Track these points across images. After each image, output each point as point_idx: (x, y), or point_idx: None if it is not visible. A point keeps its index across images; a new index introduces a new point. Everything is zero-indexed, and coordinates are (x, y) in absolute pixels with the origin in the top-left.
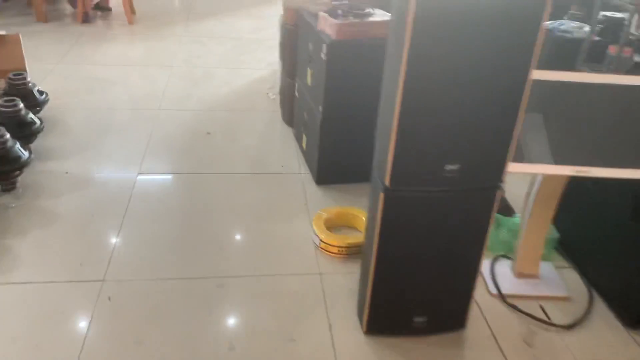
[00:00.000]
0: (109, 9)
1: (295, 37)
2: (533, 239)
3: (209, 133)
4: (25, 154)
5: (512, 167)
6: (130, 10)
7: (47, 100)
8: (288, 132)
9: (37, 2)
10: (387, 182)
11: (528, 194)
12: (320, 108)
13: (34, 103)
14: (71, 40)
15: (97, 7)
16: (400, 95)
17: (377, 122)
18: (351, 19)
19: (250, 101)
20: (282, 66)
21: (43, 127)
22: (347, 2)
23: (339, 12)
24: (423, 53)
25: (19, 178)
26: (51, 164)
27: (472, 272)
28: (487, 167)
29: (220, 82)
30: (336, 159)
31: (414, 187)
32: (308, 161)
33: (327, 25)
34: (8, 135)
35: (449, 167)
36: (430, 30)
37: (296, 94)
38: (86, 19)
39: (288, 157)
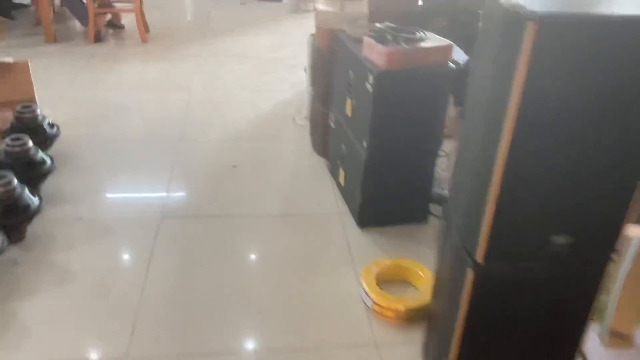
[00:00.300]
0: (122, 27)
1: (329, 61)
2: (631, 296)
3: (235, 167)
4: (35, 200)
5: (634, 231)
6: (144, 27)
7: (58, 133)
8: (320, 164)
9: (46, 21)
10: (478, 257)
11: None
12: (365, 144)
13: (44, 138)
14: (82, 61)
15: (109, 24)
16: (505, 149)
17: (456, 173)
18: (403, 46)
19: (276, 128)
20: (312, 92)
21: (54, 167)
22: (390, 23)
23: (388, 37)
24: (541, 93)
25: (28, 227)
26: (63, 208)
27: (571, 350)
28: (600, 235)
29: (243, 106)
30: (381, 199)
31: (511, 263)
32: (347, 199)
33: (375, 53)
34: (16, 182)
35: (556, 238)
36: (554, 62)
37: (331, 123)
38: (98, 38)
39: (323, 194)
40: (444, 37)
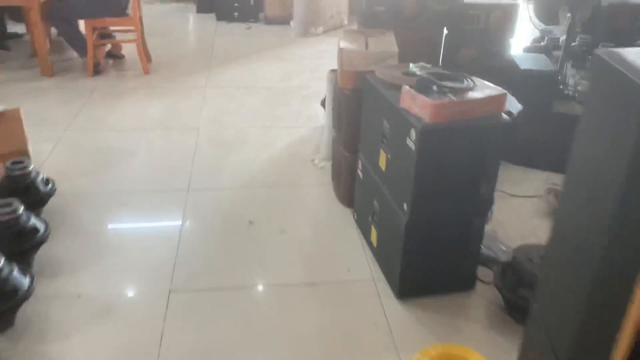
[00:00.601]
0: (122, 57)
1: (355, 104)
2: None
3: (251, 222)
4: (25, 281)
5: None
6: (146, 57)
7: (54, 191)
8: (346, 216)
9: (42, 54)
10: None
11: None
12: (406, 207)
13: (38, 198)
14: (81, 98)
15: (109, 55)
16: None
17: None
18: (450, 97)
19: (294, 171)
20: (335, 135)
21: (48, 234)
22: (429, 65)
23: (433, 87)
24: None
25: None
26: (58, 282)
27: None
28: None
29: (256, 145)
30: (424, 267)
31: None
32: (382, 263)
33: (417, 105)
34: (2, 261)
35: None
36: None
37: (359, 173)
38: (97, 71)
39: (353, 255)
40: (473, 68)
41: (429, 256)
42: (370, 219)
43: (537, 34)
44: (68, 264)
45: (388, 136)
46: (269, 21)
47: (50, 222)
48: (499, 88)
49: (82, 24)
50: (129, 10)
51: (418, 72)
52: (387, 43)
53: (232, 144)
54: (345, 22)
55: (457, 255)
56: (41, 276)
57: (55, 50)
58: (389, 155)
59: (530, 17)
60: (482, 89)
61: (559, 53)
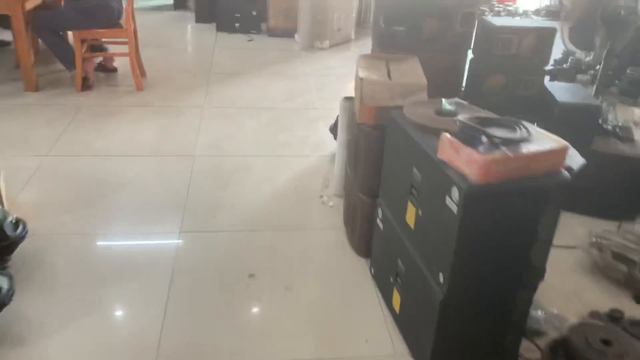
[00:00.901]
0: (114, 70)
1: (376, 143)
2: None
3: (251, 276)
4: None
5: None
6: (140, 72)
7: (24, 235)
8: (362, 269)
9: (25, 67)
10: None
11: None
12: (442, 278)
13: (5, 245)
14: (66, 117)
15: (100, 67)
16: None
17: None
18: (503, 151)
19: (301, 210)
20: (350, 173)
21: (12, 293)
22: (465, 102)
23: (482, 138)
24: None
25: None
26: (22, 355)
27: None
28: None
29: (259, 177)
30: (459, 344)
31: None
32: (407, 335)
33: (462, 159)
34: None
35: None
36: None
37: (379, 223)
38: (86, 86)
39: (371, 322)
40: (502, 98)
41: (467, 332)
42: (392, 279)
43: (558, 55)
44: (35, 329)
45: (419, 189)
46: (272, 33)
47: (19, 271)
48: (559, 139)
49: (70, 35)
50: (122, 21)
51: (455, 112)
52: (413, 72)
53: (230, 176)
54: (353, 36)
55: (499, 330)
56: (3, 344)
57: (42, 61)
58: (419, 211)
59: (564, 41)
60: (539, 140)
61: (583, 77)
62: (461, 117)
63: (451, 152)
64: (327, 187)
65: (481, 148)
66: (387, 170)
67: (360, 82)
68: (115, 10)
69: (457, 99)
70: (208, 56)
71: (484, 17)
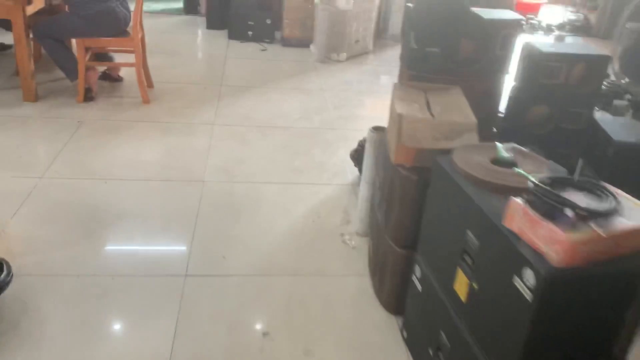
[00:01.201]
0: (120, 79)
1: (415, 190)
2: None
3: (265, 334)
4: None
5: None
6: (147, 83)
7: (9, 279)
8: (391, 328)
9: (25, 76)
10: None
11: None
12: None
13: None
14: (66, 132)
15: (105, 76)
16: None
17: None
18: (592, 228)
19: (320, 250)
20: (380, 218)
21: None
22: (525, 149)
23: (566, 211)
24: None
25: None
26: None
27: None
28: None
29: (272, 209)
30: None
31: None
32: None
33: (541, 235)
34: None
35: None
36: None
37: (416, 282)
38: (89, 97)
39: None
40: (546, 131)
41: None
42: (431, 352)
43: None
44: None
45: (475, 258)
46: (287, 43)
47: (2, 321)
48: None
49: (74, 42)
50: (130, 28)
51: (514, 162)
52: (457, 106)
53: (242, 206)
54: (371, 47)
55: None
56: None
57: (44, 67)
58: (474, 284)
59: (614, 70)
60: (630, 211)
61: (620, 102)
62: (534, 177)
63: (524, 223)
64: (348, 222)
65: (564, 223)
66: (430, 225)
67: (398, 118)
68: (121, 17)
69: (513, 144)
70: (219, 66)
71: (527, 40)
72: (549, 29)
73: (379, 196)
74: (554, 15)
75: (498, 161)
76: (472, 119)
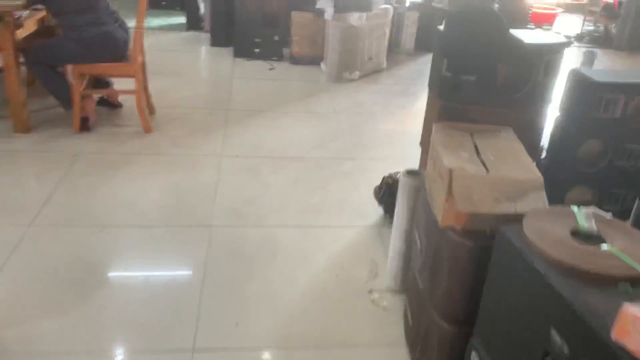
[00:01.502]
0: (119, 106)
1: (468, 259)
2: None
3: None
4: None
5: None
6: (149, 109)
7: None
8: None
9: (15, 105)
10: None
11: None
12: None
13: None
14: (60, 169)
15: (103, 102)
16: None
17: None
18: None
19: (346, 314)
20: (422, 287)
21: None
22: (607, 216)
23: None
24: None
25: None
26: None
27: None
28: None
29: (290, 260)
30: None
31: None
32: None
33: None
34: None
35: None
36: None
37: None
38: (85, 127)
39: None
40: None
41: None
42: None
43: None
44: None
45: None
46: (295, 60)
47: None
48: None
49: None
50: (130, 52)
51: (601, 236)
52: (513, 154)
53: (255, 257)
54: (384, 64)
55: None
56: None
57: (37, 93)
58: None
59: None
60: None
61: None
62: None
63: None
64: (376, 276)
65: None
66: (493, 306)
67: (448, 174)
68: (120, 41)
69: (594, 209)
70: (225, 87)
71: (576, 68)
72: (570, 41)
73: (420, 260)
74: (571, 25)
75: (579, 233)
76: (536, 173)
